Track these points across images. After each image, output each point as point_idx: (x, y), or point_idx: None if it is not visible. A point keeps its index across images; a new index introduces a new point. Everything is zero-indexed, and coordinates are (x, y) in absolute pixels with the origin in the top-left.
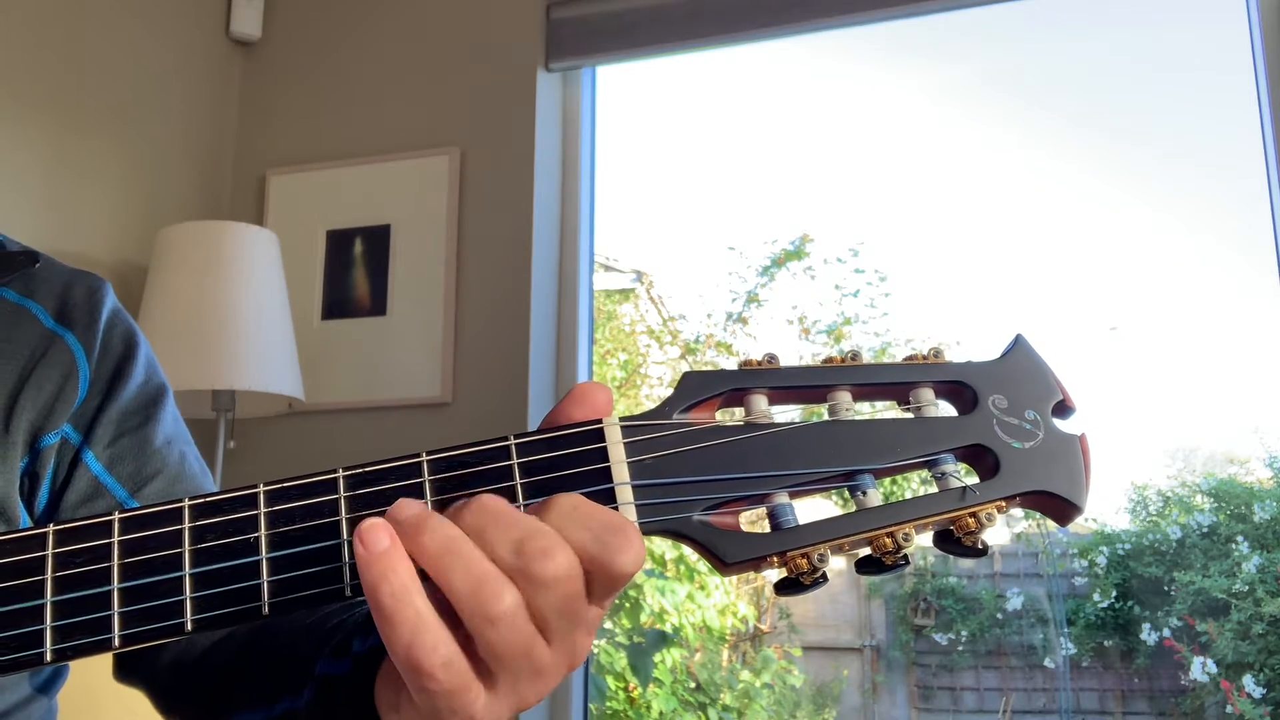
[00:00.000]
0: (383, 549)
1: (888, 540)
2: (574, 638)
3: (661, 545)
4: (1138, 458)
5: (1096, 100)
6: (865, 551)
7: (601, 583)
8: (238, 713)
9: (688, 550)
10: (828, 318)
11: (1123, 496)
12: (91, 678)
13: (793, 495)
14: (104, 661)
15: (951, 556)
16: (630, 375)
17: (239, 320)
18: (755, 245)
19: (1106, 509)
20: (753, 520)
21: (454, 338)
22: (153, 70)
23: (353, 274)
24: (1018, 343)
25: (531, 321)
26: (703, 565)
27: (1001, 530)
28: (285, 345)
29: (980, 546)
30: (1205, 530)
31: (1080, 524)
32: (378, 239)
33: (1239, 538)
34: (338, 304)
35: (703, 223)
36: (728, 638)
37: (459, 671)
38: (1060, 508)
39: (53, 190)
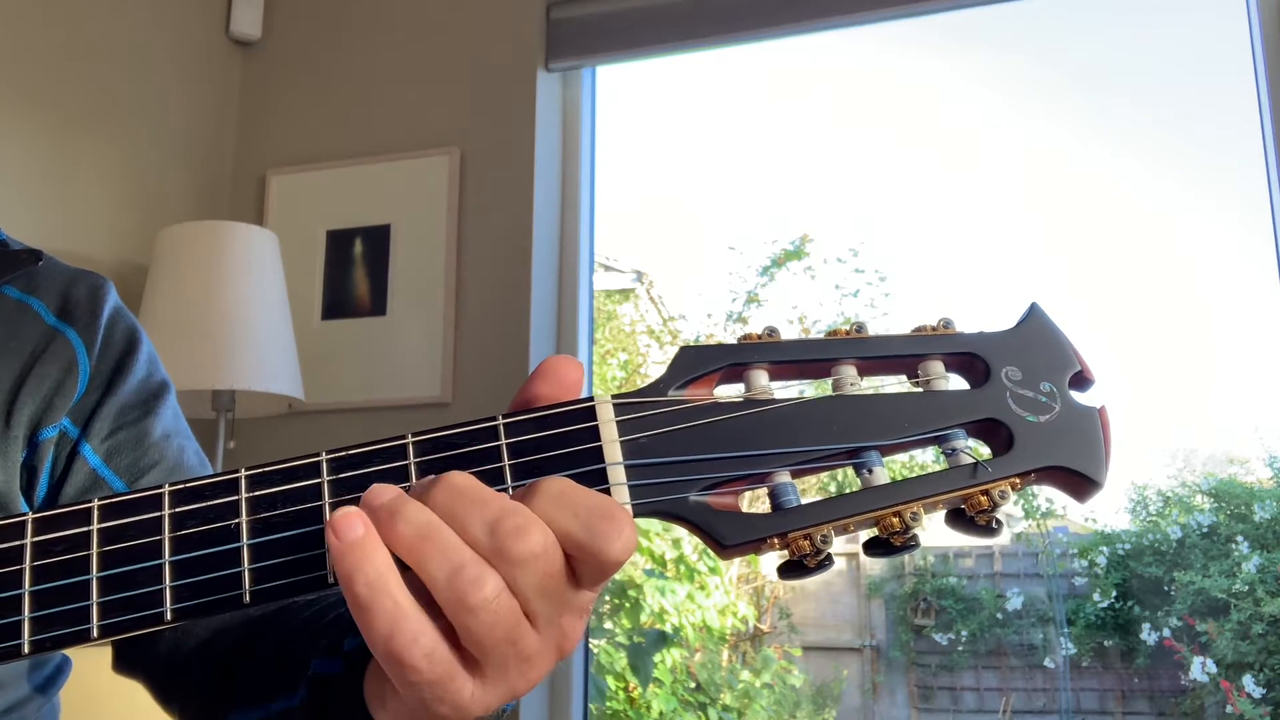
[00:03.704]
0: (356, 538)
1: (895, 520)
2: (561, 622)
3: (662, 545)
4: (1138, 458)
5: (1098, 100)
6: (872, 532)
7: (591, 569)
8: (236, 709)
9: (688, 550)
10: (828, 318)
11: (1123, 496)
12: (94, 676)
13: (795, 474)
14: (106, 659)
15: (952, 556)
16: (630, 375)
17: (239, 320)
18: (755, 245)
19: (1106, 509)
20: (758, 504)
21: (454, 338)
22: (153, 70)
23: (353, 274)
24: (1032, 311)
25: (531, 321)
26: (703, 565)
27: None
28: (285, 345)
29: (994, 526)
30: (1205, 530)
31: (1080, 524)
32: (378, 239)
33: (1239, 538)
34: (338, 304)
35: (703, 223)
36: (728, 638)
37: (442, 661)
38: (1078, 484)
39: (53, 190)
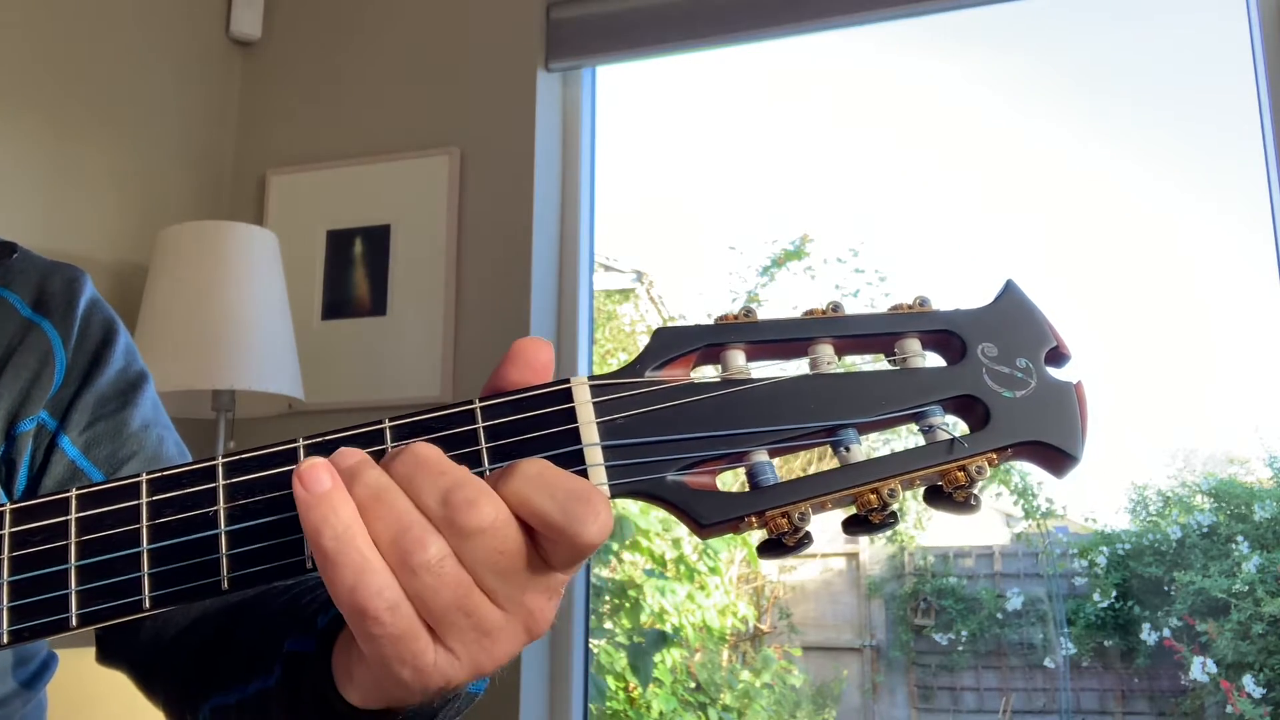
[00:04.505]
0: (323, 490)
1: (873, 497)
2: (525, 600)
3: (662, 545)
4: (1138, 458)
5: (1098, 100)
6: (850, 510)
7: (565, 551)
8: (215, 693)
9: (688, 550)
10: None
11: (1123, 496)
12: (83, 672)
13: (773, 453)
14: (92, 655)
15: (952, 556)
16: None
17: (239, 320)
18: (755, 245)
19: (1106, 509)
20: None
21: (454, 338)
22: (152, 70)
23: (353, 274)
24: (1008, 288)
25: (531, 322)
26: (703, 565)
27: (1001, 530)
28: (285, 345)
29: (972, 502)
30: (1205, 530)
31: (1080, 524)
32: (378, 239)
33: (1239, 538)
34: (338, 304)
35: (703, 223)
36: (728, 638)
37: (405, 616)
38: (1054, 458)
39: (53, 190)
